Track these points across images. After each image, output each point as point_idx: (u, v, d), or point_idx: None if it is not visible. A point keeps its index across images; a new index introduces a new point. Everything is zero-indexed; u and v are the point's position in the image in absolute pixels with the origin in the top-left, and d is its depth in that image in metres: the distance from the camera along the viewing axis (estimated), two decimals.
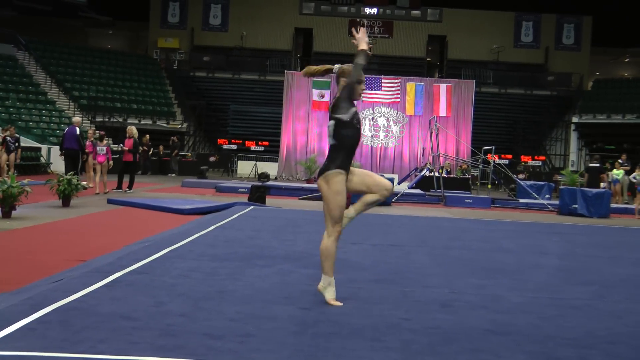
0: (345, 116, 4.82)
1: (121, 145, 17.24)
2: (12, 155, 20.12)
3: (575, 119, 37.78)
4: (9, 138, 20.16)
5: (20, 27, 38.57)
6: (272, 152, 31.57)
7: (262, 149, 32.91)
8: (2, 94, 30.97)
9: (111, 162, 16.71)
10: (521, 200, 19.81)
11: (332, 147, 4.91)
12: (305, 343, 3.86)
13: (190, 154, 33.85)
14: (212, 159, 32.63)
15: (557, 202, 18.44)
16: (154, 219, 11.15)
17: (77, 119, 17.50)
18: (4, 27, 36.03)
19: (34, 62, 34.92)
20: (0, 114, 28.86)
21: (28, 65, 34.55)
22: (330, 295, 4.89)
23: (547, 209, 18.40)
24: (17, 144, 20.46)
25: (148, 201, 13.56)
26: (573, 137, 37.90)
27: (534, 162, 34.46)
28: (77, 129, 16.08)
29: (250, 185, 16.75)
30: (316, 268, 6.56)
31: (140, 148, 29.51)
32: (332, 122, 4.86)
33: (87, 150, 16.73)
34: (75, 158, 15.90)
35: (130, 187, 17.05)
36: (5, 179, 10.37)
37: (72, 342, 3.60)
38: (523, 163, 33.84)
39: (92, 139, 17.13)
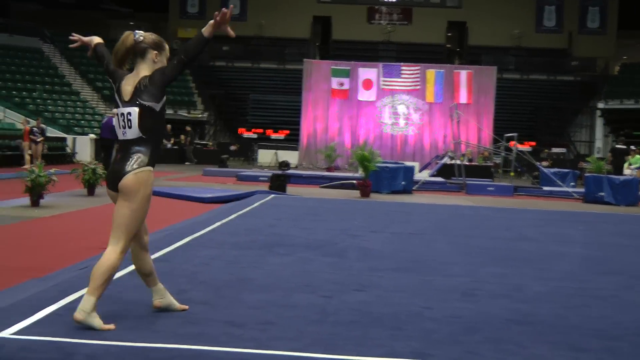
0: (157, 105, 3.84)
1: None
2: (40, 146, 20.36)
3: (600, 105, 37.19)
4: (34, 129, 20.41)
5: (45, 21, 38.94)
6: (292, 141, 31.54)
7: (282, 137, 32.93)
8: (29, 85, 31.53)
9: None
10: (545, 188, 19.60)
11: (136, 141, 3.81)
12: (325, 331, 3.86)
13: (211, 143, 33.97)
14: (232, 147, 32.70)
15: (582, 189, 18.22)
16: (175, 208, 11.22)
17: (116, 110, 18.02)
18: (30, 21, 36.49)
19: (58, 55, 35.34)
20: (28, 105, 29.32)
21: (53, 58, 34.96)
22: (98, 322, 3.66)
23: (571, 196, 18.19)
24: (42, 134, 20.67)
25: (170, 190, 13.63)
26: (598, 123, 37.34)
27: (557, 149, 34.08)
28: (114, 120, 16.76)
29: (270, 174, 16.77)
30: (337, 256, 6.56)
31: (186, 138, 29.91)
32: (135, 109, 3.82)
33: None
34: (109, 148, 16.64)
35: None
36: (34, 168, 10.52)
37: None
38: (547, 150, 33.51)
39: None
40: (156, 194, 13.20)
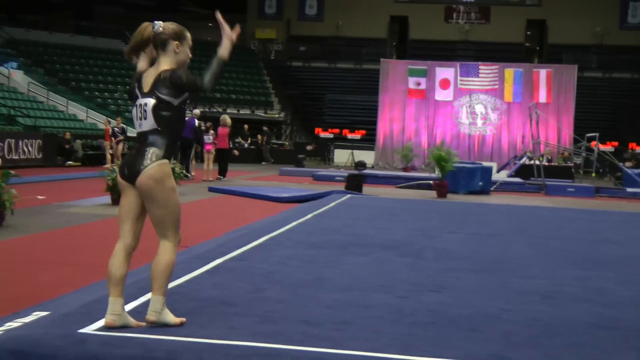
0: (175, 100, 3.70)
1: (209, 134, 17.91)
2: (120, 145, 21.05)
3: None
4: (115, 128, 21.12)
5: (126, 23, 40.29)
6: (368, 141, 31.56)
7: (358, 137, 32.98)
8: (111, 86, 32.70)
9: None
10: (628, 190, 18.93)
11: (151, 133, 3.70)
12: (402, 332, 3.84)
13: (287, 143, 34.35)
14: (309, 147, 32.96)
15: None
16: (252, 207, 11.38)
17: (197, 111, 18.49)
18: (112, 24, 37.87)
19: None
20: (110, 106, 30.42)
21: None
22: (171, 317, 3.74)
23: None
24: (123, 134, 21.35)
25: (247, 189, 13.85)
26: None
27: None
28: (196, 121, 17.20)
29: (347, 174, 16.81)
30: (414, 256, 6.52)
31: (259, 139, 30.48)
32: (152, 100, 3.67)
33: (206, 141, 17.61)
34: (188, 147, 16.94)
35: (223, 174, 17.55)
36: (114, 167, 10.86)
37: (176, 326, 3.73)
38: (630, 150, 32.29)
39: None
40: (234, 193, 13.49)
